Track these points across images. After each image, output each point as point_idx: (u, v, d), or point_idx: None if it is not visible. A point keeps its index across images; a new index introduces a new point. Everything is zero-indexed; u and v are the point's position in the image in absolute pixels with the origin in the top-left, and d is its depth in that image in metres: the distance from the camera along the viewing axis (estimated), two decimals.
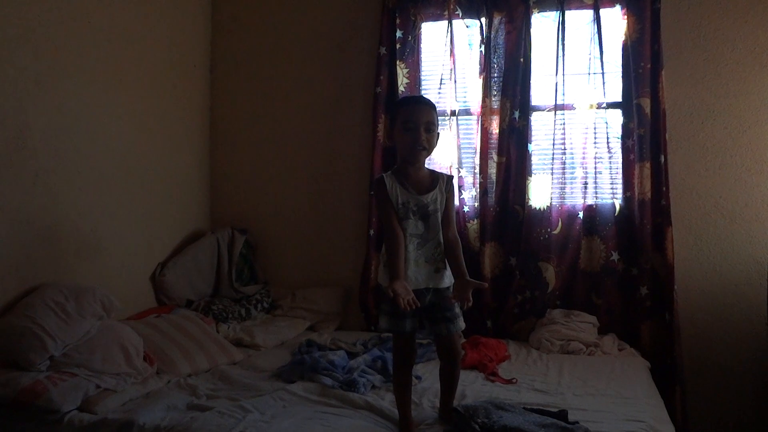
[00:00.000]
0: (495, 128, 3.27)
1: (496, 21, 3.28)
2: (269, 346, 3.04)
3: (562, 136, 3.21)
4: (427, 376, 2.55)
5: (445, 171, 3.20)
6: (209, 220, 3.79)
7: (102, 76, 2.91)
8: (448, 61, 3.35)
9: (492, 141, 3.28)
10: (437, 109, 2.14)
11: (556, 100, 3.21)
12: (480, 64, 3.30)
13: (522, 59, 3.23)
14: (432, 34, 3.47)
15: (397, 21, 3.38)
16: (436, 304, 2.10)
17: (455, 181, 2.12)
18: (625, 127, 3.13)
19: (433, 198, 2.07)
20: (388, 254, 2.02)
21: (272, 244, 3.74)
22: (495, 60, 3.29)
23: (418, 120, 2.02)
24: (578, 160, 3.23)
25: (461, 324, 2.12)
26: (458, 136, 3.34)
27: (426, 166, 2.17)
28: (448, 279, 2.09)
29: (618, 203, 3.16)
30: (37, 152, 2.56)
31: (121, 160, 3.05)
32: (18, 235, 2.49)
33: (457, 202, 3.13)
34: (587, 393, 2.39)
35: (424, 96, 2.22)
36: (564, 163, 3.22)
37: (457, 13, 3.34)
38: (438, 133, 2.12)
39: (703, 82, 3.14)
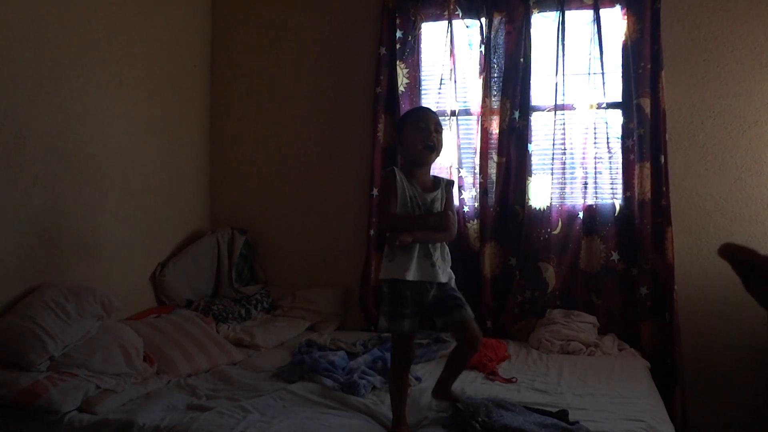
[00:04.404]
0: (495, 128, 3.27)
1: (496, 21, 3.28)
2: (269, 346, 3.04)
3: (562, 136, 3.21)
4: (427, 376, 2.54)
5: (446, 173, 3.25)
6: (209, 220, 3.78)
7: (102, 76, 2.91)
8: (448, 61, 3.35)
9: (492, 141, 3.28)
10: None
11: (556, 100, 3.21)
12: (480, 64, 3.29)
13: (522, 59, 3.23)
14: (432, 34, 3.47)
15: (397, 21, 3.38)
16: (441, 297, 2.13)
17: (456, 183, 2.26)
18: (625, 128, 3.12)
19: (436, 197, 2.17)
20: (398, 220, 2.09)
21: (272, 244, 3.73)
22: (495, 60, 3.29)
23: (428, 121, 2.17)
24: (578, 160, 3.23)
25: (470, 312, 2.17)
26: (458, 137, 3.34)
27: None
28: (448, 274, 2.16)
29: (618, 203, 3.16)
30: (37, 152, 2.56)
31: (121, 160, 3.05)
32: (18, 235, 2.49)
33: (456, 202, 3.16)
34: (587, 393, 2.39)
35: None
36: (564, 163, 3.22)
37: (457, 13, 3.34)
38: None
39: (703, 82, 3.14)
